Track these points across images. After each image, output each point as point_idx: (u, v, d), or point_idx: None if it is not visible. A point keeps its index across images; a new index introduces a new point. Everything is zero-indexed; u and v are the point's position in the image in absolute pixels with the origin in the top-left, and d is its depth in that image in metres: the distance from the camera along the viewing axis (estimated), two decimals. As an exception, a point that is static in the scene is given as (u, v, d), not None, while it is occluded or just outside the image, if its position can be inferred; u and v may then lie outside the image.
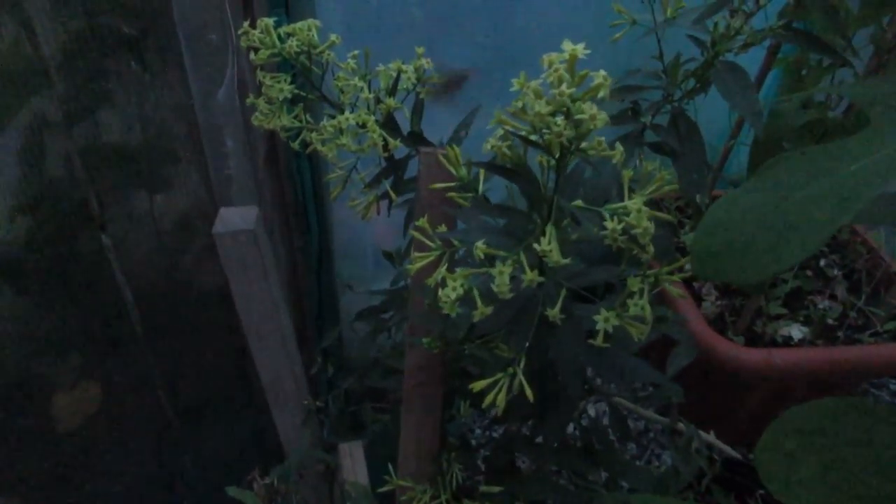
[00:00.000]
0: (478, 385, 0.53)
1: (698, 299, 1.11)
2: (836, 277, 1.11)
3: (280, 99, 0.58)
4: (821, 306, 1.07)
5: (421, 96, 0.63)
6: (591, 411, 1.34)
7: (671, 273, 0.49)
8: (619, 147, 0.40)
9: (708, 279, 0.39)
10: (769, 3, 0.68)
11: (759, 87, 1.07)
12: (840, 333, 1.04)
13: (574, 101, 0.37)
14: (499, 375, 0.52)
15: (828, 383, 1.09)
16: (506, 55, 1.03)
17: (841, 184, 0.27)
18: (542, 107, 0.37)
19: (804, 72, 0.91)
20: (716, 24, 0.69)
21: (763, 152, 0.79)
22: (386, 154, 0.63)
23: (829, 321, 1.05)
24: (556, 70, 0.36)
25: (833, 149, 0.29)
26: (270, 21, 0.55)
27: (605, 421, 1.34)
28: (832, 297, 1.09)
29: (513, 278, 0.47)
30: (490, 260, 0.48)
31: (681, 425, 0.90)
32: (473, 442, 1.32)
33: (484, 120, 0.72)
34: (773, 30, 0.69)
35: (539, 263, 0.49)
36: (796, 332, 1.03)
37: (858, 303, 1.05)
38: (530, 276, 0.46)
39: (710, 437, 1.02)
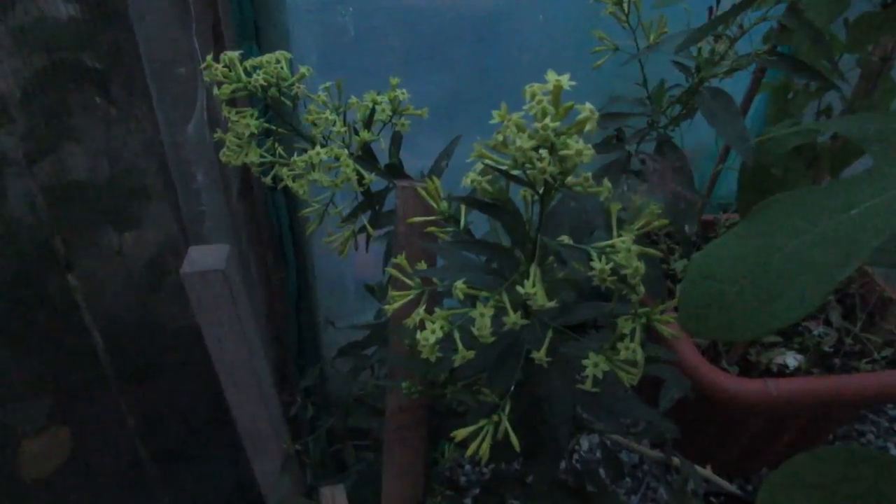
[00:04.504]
0: (460, 433, 0.49)
1: (690, 328, 1.08)
2: (830, 303, 1.09)
3: (247, 134, 0.55)
4: (815, 333, 1.04)
5: (397, 129, 0.61)
6: (584, 444, 1.30)
7: (663, 312, 0.46)
8: (607, 183, 0.37)
9: (697, 336, 0.36)
10: (753, 27, 0.66)
11: (745, 112, 1.05)
12: (836, 360, 1.01)
13: (558, 135, 0.34)
14: (482, 423, 0.49)
15: (826, 412, 1.06)
16: (488, 83, 1.02)
17: (842, 229, 0.24)
18: (524, 141, 0.34)
19: (790, 96, 0.89)
20: (700, 50, 0.67)
21: (751, 178, 0.77)
22: (362, 188, 0.60)
23: (825, 348, 1.02)
24: (539, 102, 0.34)
25: (829, 191, 0.26)
26: (235, 54, 0.52)
27: (598, 454, 1.30)
28: (827, 323, 1.07)
29: (496, 318, 0.45)
30: (472, 299, 0.46)
31: (676, 460, 0.86)
32: (463, 479, 1.27)
33: (466, 149, 0.70)
34: (758, 55, 0.67)
35: (523, 303, 0.46)
36: (791, 360, 1.00)
37: (854, 329, 1.03)
38: (513, 319, 0.43)
39: (707, 471, 0.98)
